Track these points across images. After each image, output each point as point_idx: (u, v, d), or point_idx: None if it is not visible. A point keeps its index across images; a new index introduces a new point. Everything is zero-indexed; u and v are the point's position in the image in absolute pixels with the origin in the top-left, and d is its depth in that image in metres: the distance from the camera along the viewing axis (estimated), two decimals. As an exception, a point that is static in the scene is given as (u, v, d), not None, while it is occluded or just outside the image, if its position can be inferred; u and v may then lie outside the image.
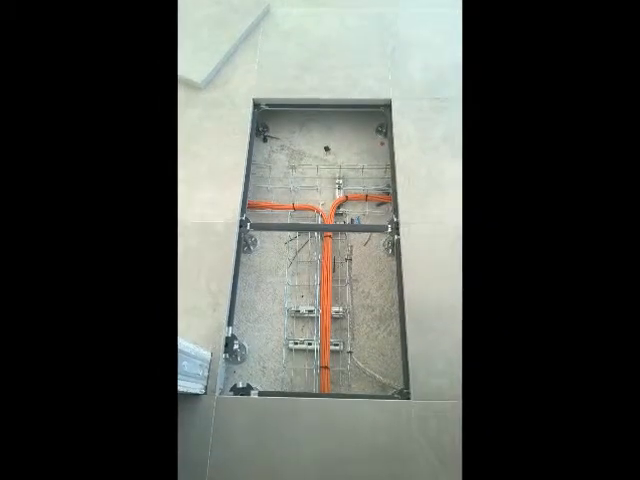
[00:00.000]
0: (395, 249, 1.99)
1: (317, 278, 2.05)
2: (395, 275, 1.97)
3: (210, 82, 2.38)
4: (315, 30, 2.58)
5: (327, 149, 2.44)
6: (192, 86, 2.36)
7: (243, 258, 2.09)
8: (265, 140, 2.48)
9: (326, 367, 1.82)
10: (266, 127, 2.49)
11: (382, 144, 2.42)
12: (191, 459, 1.51)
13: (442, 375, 1.63)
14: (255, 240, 2.17)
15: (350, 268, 2.10)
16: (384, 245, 2.13)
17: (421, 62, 2.41)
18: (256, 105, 2.34)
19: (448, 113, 2.22)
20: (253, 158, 2.26)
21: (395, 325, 1.92)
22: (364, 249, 2.16)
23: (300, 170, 2.39)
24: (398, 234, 1.95)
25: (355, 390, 1.81)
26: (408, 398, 1.62)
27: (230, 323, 1.81)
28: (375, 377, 1.81)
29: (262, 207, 2.25)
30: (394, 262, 2.02)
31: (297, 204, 2.25)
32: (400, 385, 1.71)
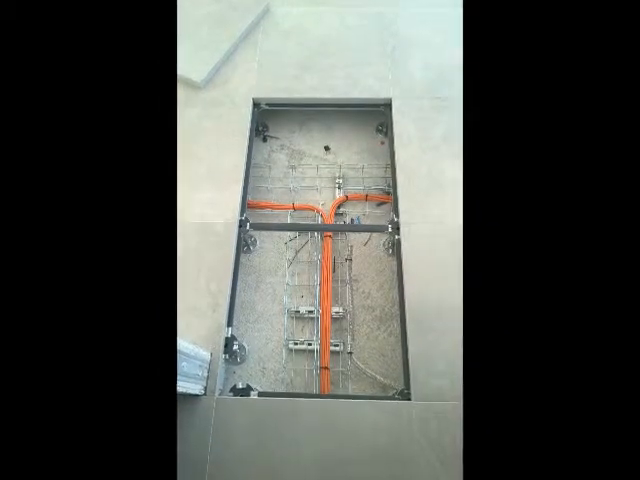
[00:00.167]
0: (395, 249, 1.99)
1: (317, 278, 2.04)
2: (395, 275, 1.96)
3: (210, 81, 2.37)
4: (315, 29, 2.57)
5: (327, 149, 2.44)
6: (192, 85, 2.35)
7: (243, 258, 2.08)
8: (265, 140, 2.48)
9: (326, 368, 1.81)
10: (266, 127, 2.49)
11: (382, 143, 2.41)
12: (191, 460, 1.51)
13: (443, 376, 1.62)
14: (255, 240, 2.16)
15: (350, 268, 2.09)
16: (384, 245, 2.13)
17: (421, 61, 2.41)
18: (256, 104, 2.34)
19: (448, 112, 2.22)
20: (253, 158, 2.26)
21: (395, 326, 1.92)
22: (364, 249, 2.15)
23: (300, 170, 2.38)
24: (398, 234, 1.95)
25: (355, 391, 1.81)
26: (409, 399, 1.61)
27: (230, 323, 1.81)
28: (375, 378, 1.81)
29: (262, 207, 2.25)
30: (394, 262, 2.02)
31: (297, 204, 2.24)
32: (400, 386, 1.70)
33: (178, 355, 1.33)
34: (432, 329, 1.71)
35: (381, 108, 2.32)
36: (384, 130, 2.42)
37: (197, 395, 1.59)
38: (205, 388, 1.63)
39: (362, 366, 1.84)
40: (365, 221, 2.23)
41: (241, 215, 2.03)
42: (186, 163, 2.11)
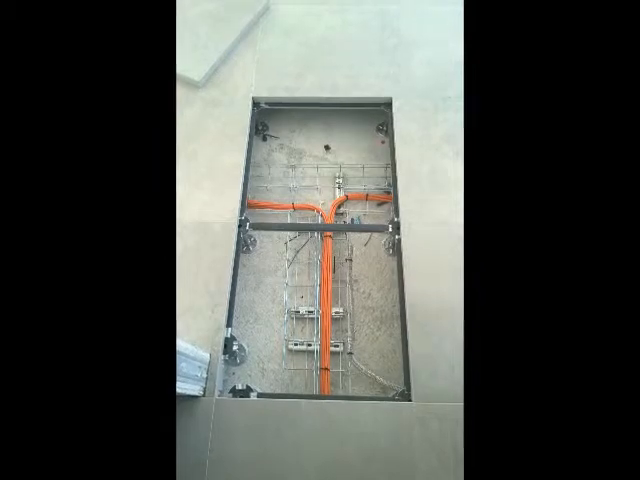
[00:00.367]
0: (396, 249, 1.98)
1: (317, 278, 2.04)
2: (396, 275, 1.96)
3: (209, 80, 2.36)
4: (315, 27, 2.56)
5: (327, 148, 2.43)
6: (190, 84, 2.34)
7: (242, 258, 2.08)
8: (264, 139, 2.47)
9: (326, 368, 1.80)
10: (265, 126, 2.48)
11: (383, 143, 2.41)
12: (190, 461, 1.50)
13: (443, 377, 1.62)
14: (254, 240, 2.16)
15: (350, 268, 2.09)
16: (385, 245, 2.12)
17: (422, 60, 2.40)
18: (255, 103, 2.33)
19: (450, 111, 2.21)
20: (252, 157, 2.25)
21: (396, 326, 1.91)
22: (365, 249, 2.14)
23: (300, 169, 2.38)
24: (399, 234, 1.94)
25: (355, 392, 1.80)
26: (409, 400, 1.61)
27: (229, 324, 1.80)
28: (376, 379, 1.80)
29: (261, 207, 2.24)
30: (395, 262, 2.01)
31: (297, 204, 2.24)
32: (401, 387, 1.69)
33: (177, 356, 1.33)
34: (433, 330, 1.71)
35: (382, 107, 2.31)
36: (385, 129, 2.41)
37: (196, 396, 1.59)
38: (204, 389, 1.62)
39: (362, 367, 1.83)
40: (365, 221, 2.22)
41: (241, 215, 2.02)
42: (185, 163, 2.10)
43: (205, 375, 1.64)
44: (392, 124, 2.20)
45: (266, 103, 2.35)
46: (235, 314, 1.90)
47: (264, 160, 2.40)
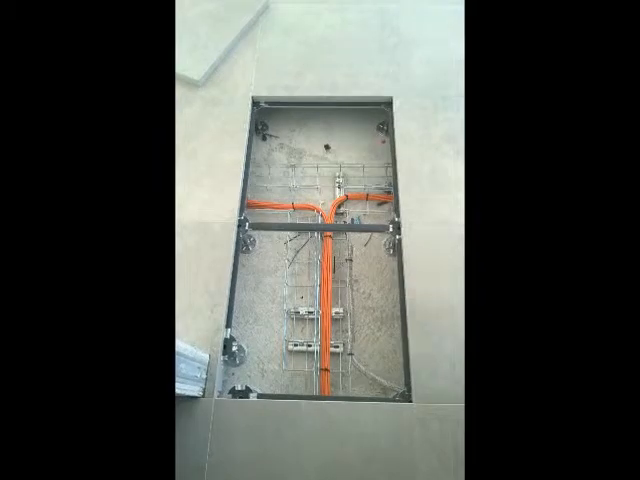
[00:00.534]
0: (396, 249, 1.98)
1: (317, 279, 2.03)
2: (396, 276, 1.95)
3: (208, 79, 2.36)
4: (315, 26, 2.55)
5: (327, 147, 2.42)
6: (190, 83, 2.34)
7: (242, 258, 2.07)
8: (264, 138, 2.46)
9: (326, 369, 1.80)
10: (265, 125, 2.47)
11: (383, 142, 2.40)
12: (189, 462, 1.50)
13: (444, 377, 1.61)
14: (254, 240, 2.15)
15: (350, 269, 2.08)
16: (385, 245, 2.11)
17: (423, 59, 2.39)
18: (255, 103, 2.32)
19: (450, 111, 2.20)
20: (252, 157, 2.24)
21: (396, 327, 1.90)
22: (365, 249, 2.14)
23: (300, 169, 2.37)
24: (399, 234, 1.93)
25: (356, 393, 1.79)
26: (410, 401, 1.60)
27: (229, 324, 1.79)
28: (376, 379, 1.80)
29: (261, 206, 2.23)
30: (395, 262, 2.00)
31: (297, 203, 2.23)
32: (401, 387, 1.69)
33: (176, 356, 1.32)
34: (433, 330, 1.70)
35: (382, 106, 2.30)
36: (385, 128, 2.40)
37: (195, 397, 1.58)
38: (204, 390, 1.61)
39: (362, 367, 1.83)
40: (366, 221, 2.21)
41: (240, 215, 2.01)
42: (184, 162, 2.10)
43: (204, 376, 1.63)
44: (392, 123, 2.20)
45: (266, 102, 2.34)
46: (235, 314, 1.89)
47: (264, 160, 2.40)
